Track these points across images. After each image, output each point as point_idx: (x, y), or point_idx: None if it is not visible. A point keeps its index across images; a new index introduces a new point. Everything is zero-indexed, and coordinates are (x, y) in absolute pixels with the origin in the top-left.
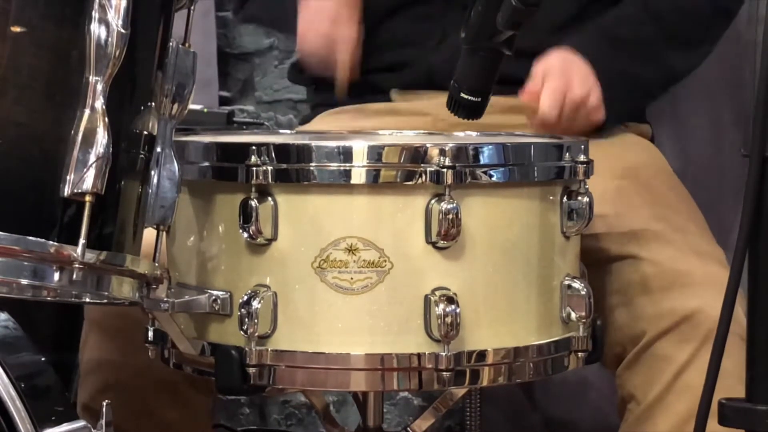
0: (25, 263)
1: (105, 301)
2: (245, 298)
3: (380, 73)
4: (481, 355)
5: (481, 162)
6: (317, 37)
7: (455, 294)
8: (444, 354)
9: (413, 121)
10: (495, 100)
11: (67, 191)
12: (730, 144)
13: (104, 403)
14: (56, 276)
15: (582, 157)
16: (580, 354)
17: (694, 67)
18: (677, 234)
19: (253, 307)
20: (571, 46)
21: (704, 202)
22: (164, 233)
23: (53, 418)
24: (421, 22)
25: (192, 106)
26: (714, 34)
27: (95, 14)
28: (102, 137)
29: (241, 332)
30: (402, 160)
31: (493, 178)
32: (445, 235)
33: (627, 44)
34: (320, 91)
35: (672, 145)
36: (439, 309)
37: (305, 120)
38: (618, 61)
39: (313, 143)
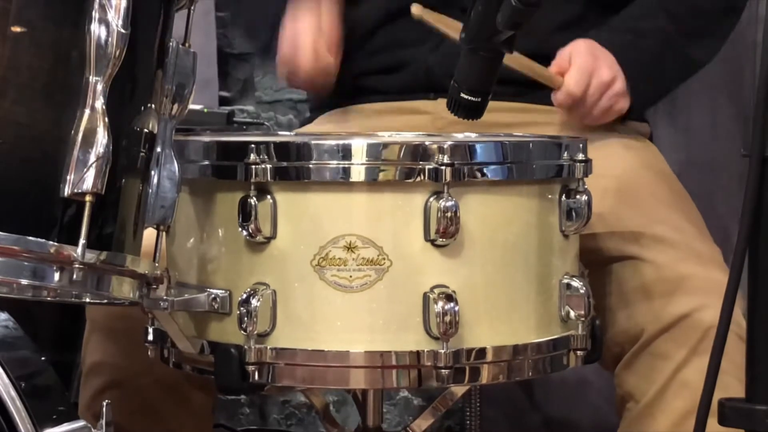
0: (25, 263)
1: (105, 301)
2: (244, 296)
3: (379, 74)
4: (481, 352)
5: (480, 160)
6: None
7: (454, 292)
8: (443, 351)
9: (413, 122)
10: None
11: (67, 191)
12: (730, 144)
13: (104, 403)
14: (56, 276)
15: (581, 156)
16: (579, 353)
17: (710, 59)
18: (676, 235)
19: (253, 306)
20: (594, 39)
21: (703, 202)
22: (164, 233)
23: (53, 417)
24: (419, 24)
25: (192, 106)
26: (723, 29)
27: (95, 14)
28: (102, 137)
29: (241, 330)
30: (401, 158)
31: (492, 176)
32: (444, 232)
33: (648, 36)
34: (320, 95)
35: (671, 144)
36: (438, 307)
37: (305, 123)
38: (642, 52)
39: (312, 141)
